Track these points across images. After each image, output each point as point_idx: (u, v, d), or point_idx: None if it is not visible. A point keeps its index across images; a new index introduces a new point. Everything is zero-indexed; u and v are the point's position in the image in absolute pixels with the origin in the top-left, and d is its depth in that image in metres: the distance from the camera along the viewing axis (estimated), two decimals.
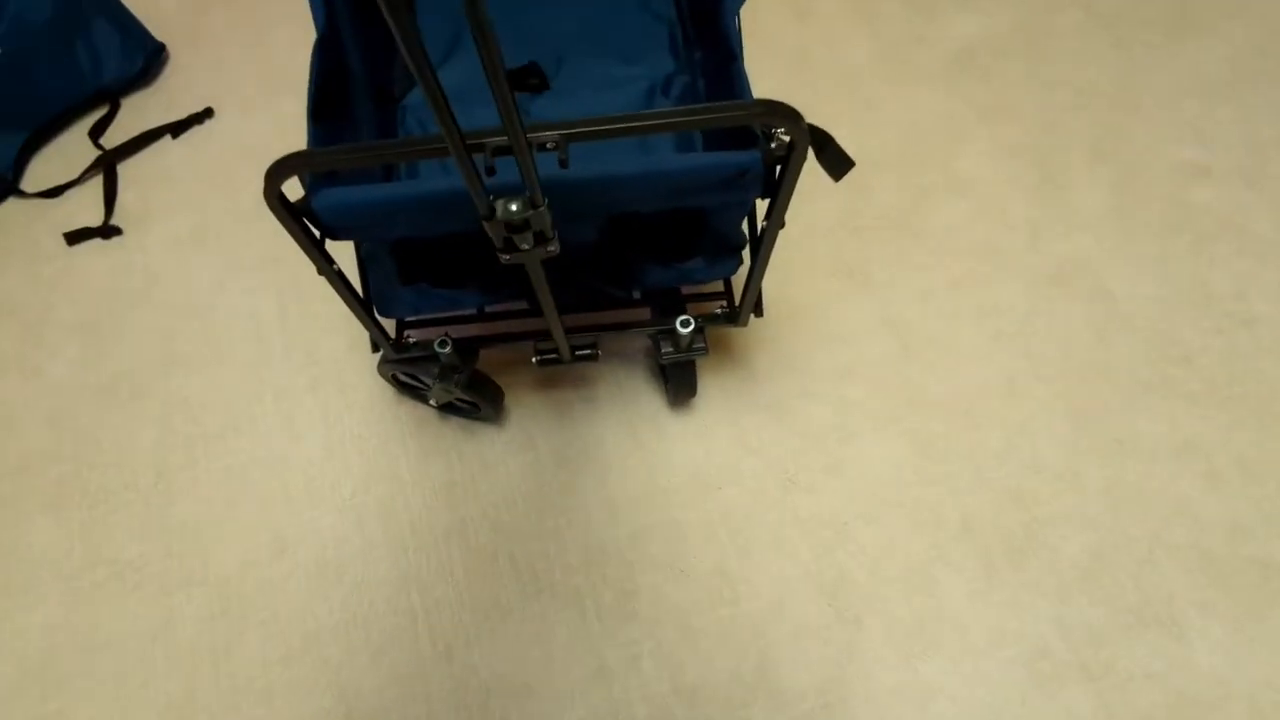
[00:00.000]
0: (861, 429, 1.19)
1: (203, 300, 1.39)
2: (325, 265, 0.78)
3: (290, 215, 0.69)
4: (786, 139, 0.69)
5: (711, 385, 1.24)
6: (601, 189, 0.72)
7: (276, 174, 0.62)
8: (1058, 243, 1.35)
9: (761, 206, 0.81)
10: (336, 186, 0.71)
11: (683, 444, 1.20)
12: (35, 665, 1.08)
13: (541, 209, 0.64)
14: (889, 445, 1.18)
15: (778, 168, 0.72)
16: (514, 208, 0.63)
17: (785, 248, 1.31)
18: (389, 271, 0.85)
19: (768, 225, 0.80)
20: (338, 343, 1.32)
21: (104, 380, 1.31)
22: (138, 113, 1.61)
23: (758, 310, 0.99)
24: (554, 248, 0.70)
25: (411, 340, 1.01)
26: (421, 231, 0.77)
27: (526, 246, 0.69)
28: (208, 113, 1.62)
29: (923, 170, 1.45)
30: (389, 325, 1.00)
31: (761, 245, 0.83)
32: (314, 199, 0.69)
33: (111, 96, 1.62)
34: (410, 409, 1.25)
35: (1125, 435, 1.16)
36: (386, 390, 1.27)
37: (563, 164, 0.61)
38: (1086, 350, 1.24)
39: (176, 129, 1.60)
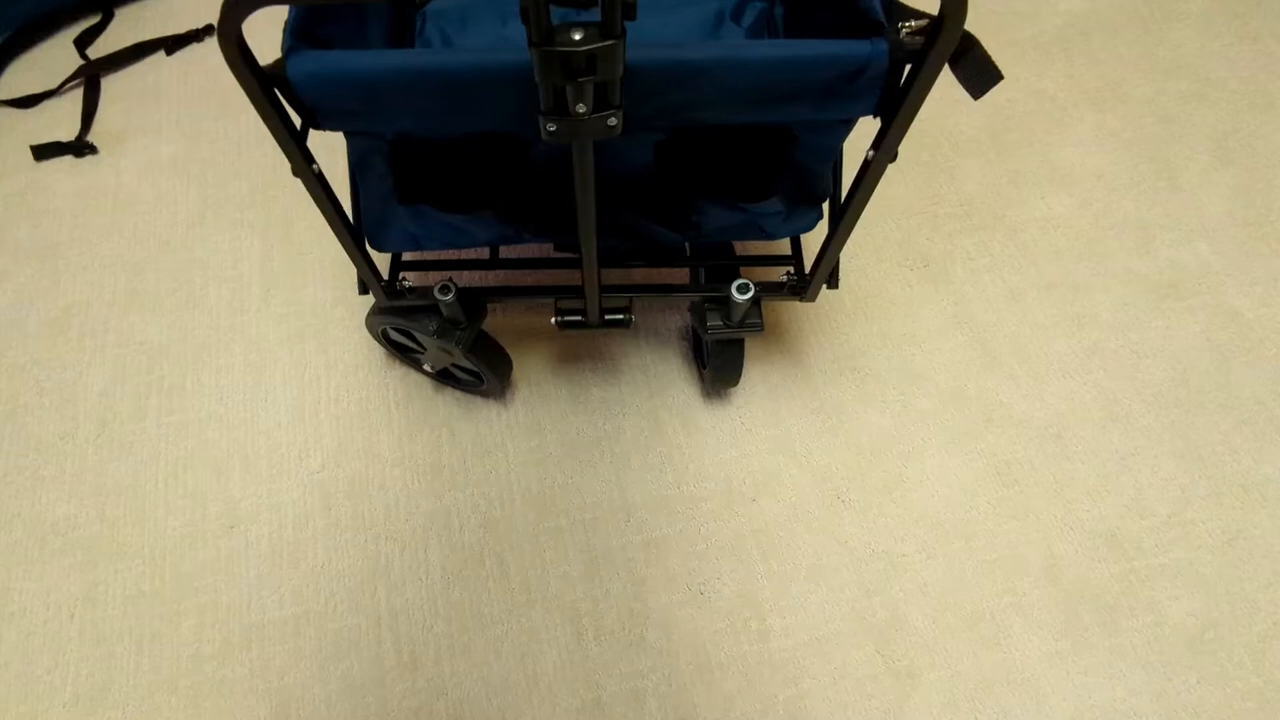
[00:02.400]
0: (929, 445, 1.05)
1: (178, 234, 1.27)
2: (303, 164, 0.64)
3: (256, 81, 0.54)
4: (918, 29, 0.55)
5: (755, 378, 1.10)
6: (670, 80, 0.57)
7: (234, 9, 0.47)
8: (1172, 249, 1.20)
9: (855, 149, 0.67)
10: (323, 50, 0.56)
11: (715, 443, 1.06)
12: None
13: (616, 42, 0.49)
14: (961, 467, 1.03)
15: (905, 69, 0.58)
16: (577, 36, 0.48)
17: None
18: (384, 186, 0.72)
19: (874, 155, 0.65)
20: (325, 294, 1.19)
21: (54, 313, 1.20)
22: (131, 24, 1.51)
23: (832, 281, 0.85)
24: (616, 121, 0.56)
25: (408, 284, 0.88)
26: (429, 125, 0.63)
27: (583, 109, 0.54)
28: (208, 30, 1.51)
29: (1018, 156, 1.31)
30: (382, 265, 0.86)
31: (860, 187, 0.68)
32: (290, 63, 0.55)
33: (105, 4, 1.52)
34: (400, 376, 1.12)
35: (1252, 481, 1.01)
36: (375, 353, 1.14)
37: (628, 10, 0.46)
38: (1205, 376, 1.09)
39: (171, 45, 1.49)
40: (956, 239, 1.22)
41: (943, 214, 1.25)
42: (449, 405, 1.10)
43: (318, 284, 1.20)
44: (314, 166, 0.65)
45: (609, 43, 0.48)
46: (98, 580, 0.99)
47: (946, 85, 0.59)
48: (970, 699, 0.89)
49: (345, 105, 0.60)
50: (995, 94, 1.38)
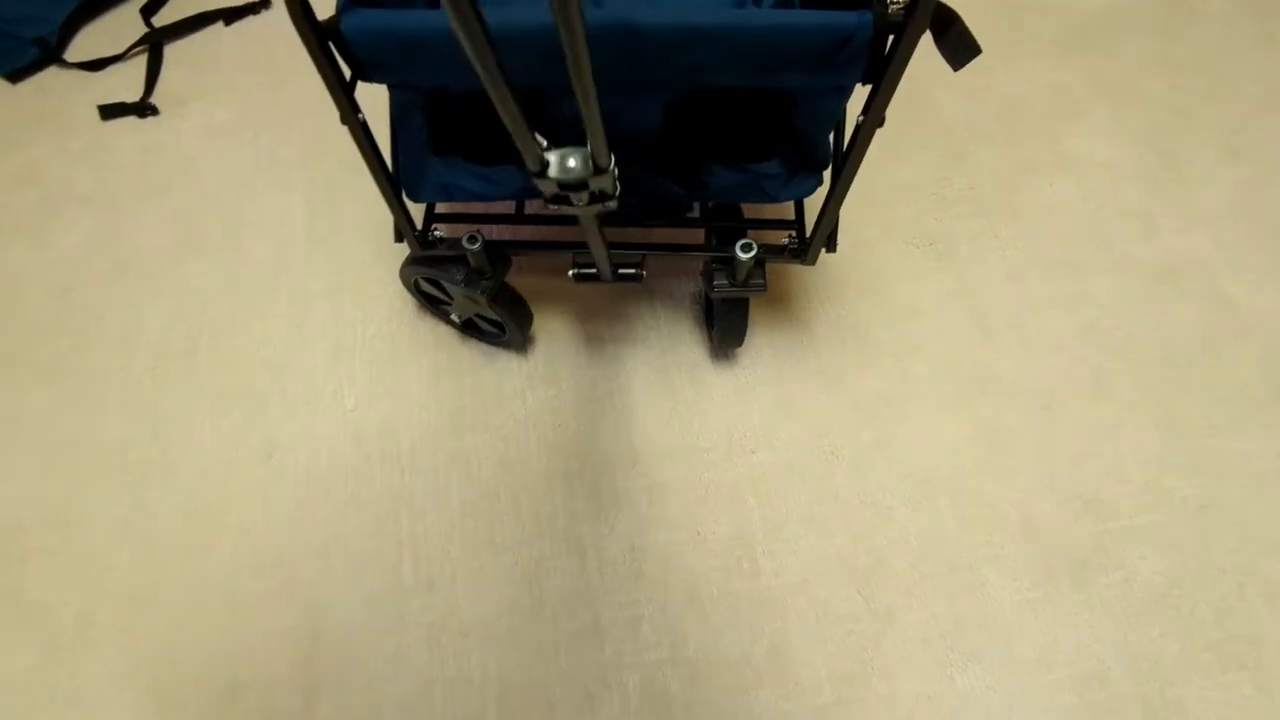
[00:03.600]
0: (922, 409, 1.13)
1: (230, 192, 1.39)
2: (349, 112, 0.73)
3: (314, 34, 0.63)
4: (904, 4, 0.62)
5: (760, 342, 1.19)
6: (678, 43, 0.65)
7: None
8: (1173, 237, 1.27)
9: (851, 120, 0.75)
10: (375, 9, 0.66)
11: (720, 399, 1.15)
12: (2, 537, 1.08)
13: (607, 172, 0.59)
14: (951, 430, 1.11)
15: (889, 40, 0.65)
16: (573, 164, 0.58)
17: (860, 207, 1.26)
18: (420, 138, 0.81)
19: (863, 120, 0.73)
20: (363, 252, 1.30)
21: (116, 259, 1.32)
22: None
23: (830, 245, 0.93)
24: (613, 205, 0.65)
25: (439, 235, 0.98)
26: (461, 79, 0.72)
27: (580, 204, 0.64)
28: (264, 3, 1.63)
29: (1028, 144, 1.37)
30: (417, 220, 0.97)
31: (852, 150, 0.76)
32: (345, 19, 0.65)
33: None
34: (429, 328, 1.23)
35: (1228, 455, 1.08)
36: (407, 306, 1.24)
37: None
38: (1193, 356, 1.15)
39: (230, 16, 1.61)
40: (963, 220, 1.30)
41: (951, 196, 1.32)
42: (473, 354, 1.20)
43: (356, 244, 1.31)
44: (359, 115, 0.75)
45: (600, 174, 0.59)
46: (150, 496, 1.11)
47: (963, 74, 0.66)
48: (943, 638, 0.97)
49: (390, 59, 0.69)
50: (1011, 83, 1.44)
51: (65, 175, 1.42)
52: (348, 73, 0.72)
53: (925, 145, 1.37)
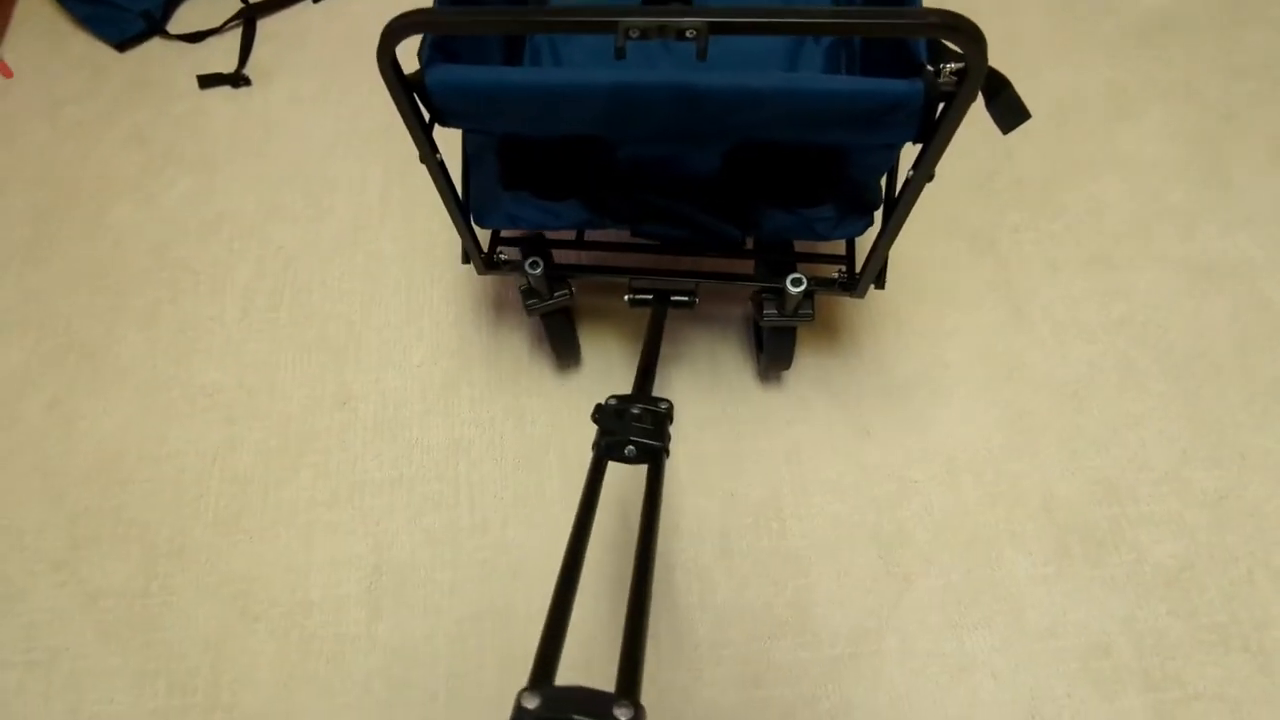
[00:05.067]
0: (953, 393, 1.19)
1: (313, 159, 1.51)
2: (429, 152, 0.78)
3: (401, 86, 0.69)
4: (956, 71, 0.64)
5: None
6: (734, 104, 0.69)
7: (393, 34, 0.62)
8: (1215, 239, 1.30)
9: (905, 161, 0.79)
10: (455, 64, 0.72)
11: (760, 381, 1.22)
12: (106, 462, 1.22)
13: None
14: (979, 414, 1.17)
15: (940, 105, 0.68)
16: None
17: None
18: (492, 174, 0.86)
19: (913, 176, 0.75)
20: (435, 221, 1.41)
21: (209, 217, 1.45)
22: None
23: (879, 281, 0.95)
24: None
25: (503, 258, 1.03)
26: (536, 127, 0.77)
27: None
28: None
29: (1077, 142, 1.42)
30: (482, 237, 1.02)
31: (900, 200, 0.78)
32: (429, 73, 0.70)
33: None
34: (493, 297, 1.33)
35: (1251, 450, 1.12)
36: (473, 273, 1.34)
37: (701, 55, 0.57)
38: (1225, 354, 1.19)
39: None
40: (1006, 213, 1.35)
41: (996, 190, 1.37)
42: (536, 326, 1.30)
43: (428, 213, 1.42)
44: (437, 155, 0.80)
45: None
46: (235, 434, 1.24)
47: (1016, 72, 0.70)
48: (957, 604, 1.04)
49: (468, 109, 0.74)
50: (1065, 81, 1.48)
51: (167, 139, 1.55)
52: (426, 115, 0.76)
53: (974, 140, 1.41)
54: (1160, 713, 0.96)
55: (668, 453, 0.83)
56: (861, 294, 0.97)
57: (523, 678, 1.00)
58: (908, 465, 1.14)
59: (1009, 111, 0.67)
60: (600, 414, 0.84)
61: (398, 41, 0.63)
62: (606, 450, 0.82)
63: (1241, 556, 1.05)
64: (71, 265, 1.41)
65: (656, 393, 0.90)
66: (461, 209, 0.90)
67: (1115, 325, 1.23)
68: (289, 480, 1.19)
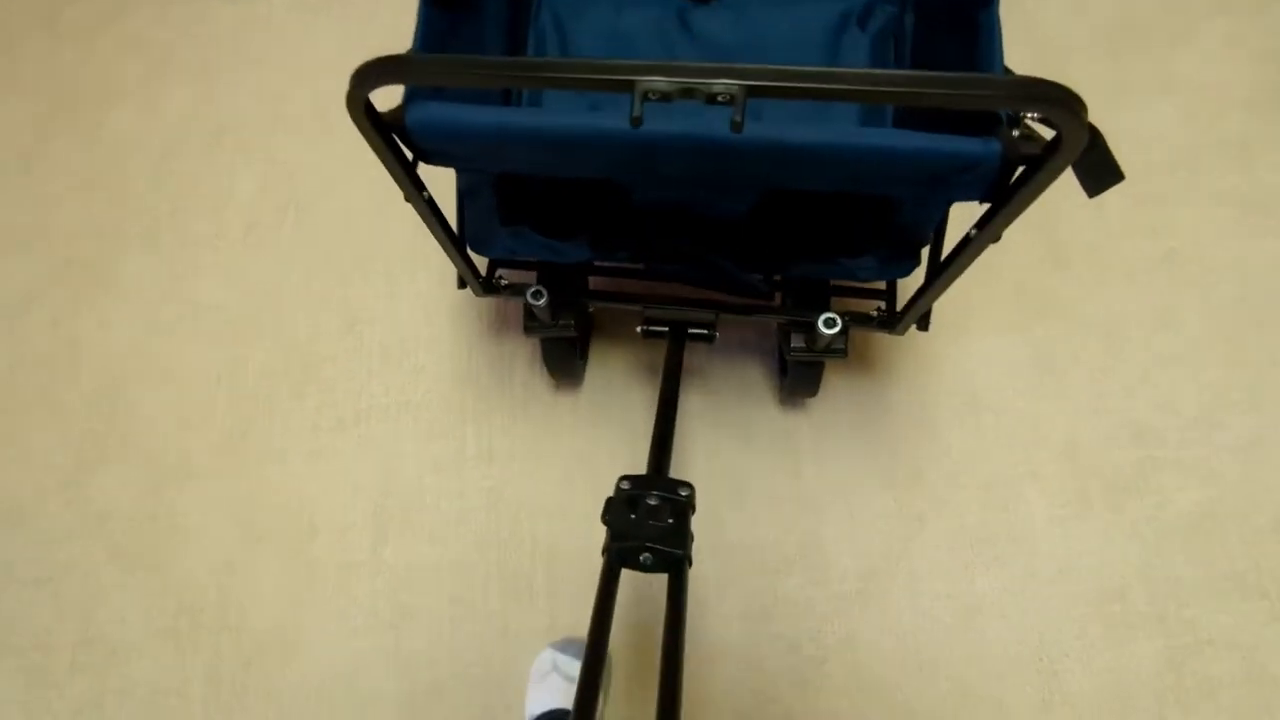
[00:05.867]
0: (978, 328, 1.18)
1: (319, 69, 1.49)
2: (414, 191, 0.70)
3: (377, 131, 0.60)
4: (1040, 131, 0.56)
5: None
6: (772, 159, 0.61)
7: (363, 80, 0.54)
8: (1271, 171, 1.26)
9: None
10: (438, 101, 0.63)
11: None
12: (110, 384, 1.25)
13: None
14: (1006, 350, 1.17)
15: (1019, 168, 0.59)
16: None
17: None
18: (488, 207, 0.78)
19: (976, 235, 0.66)
20: None
21: (212, 128, 1.44)
22: None
23: (923, 324, 0.88)
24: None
25: (504, 283, 0.96)
26: (535, 170, 0.69)
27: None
28: None
29: (1131, 62, 1.36)
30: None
31: (959, 257, 0.69)
32: (409, 113, 0.62)
33: None
34: None
35: None
36: None
37: (735, 127, 0.48)
38: (1270, 295, 1.17)
39: None
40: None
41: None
42: None
43: None
44: (424, 194, 0.71)
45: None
46: (240, 356, 1.26)
47: None
48: (970, 546, 1.06)
49: (457, 151, 0.66)
50: None
51: (166, 43, 1.53)
52: (409, 153, 0.68)
53: (1019, 59, 1.36)
54: (1171, 658, 0.99)
55: (690, 561, 0.71)
56: (902, 331, 0.88)
57: (528, 607, 1.04)
58: (927, 404, 1.14)
59: (1098, 172, 0.59)
60: (610, 513, 0.73)
61: (371, 89, 0.55)
62: (618, 558, 0.70)
63: (1267, 505, 1.05)
64: (71, 177, 1.42)
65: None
66: (454, 240, 0.81)
67: (1156, 264, 1.21)
68: (295, 405, 1.22)
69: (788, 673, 1.00)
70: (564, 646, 1.00)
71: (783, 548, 1.08)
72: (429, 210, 0.74)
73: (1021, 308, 1.19)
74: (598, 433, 1.16)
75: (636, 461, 1.13)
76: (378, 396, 1.22)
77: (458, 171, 0.77)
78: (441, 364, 1.23)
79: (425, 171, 0.69)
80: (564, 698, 0.95)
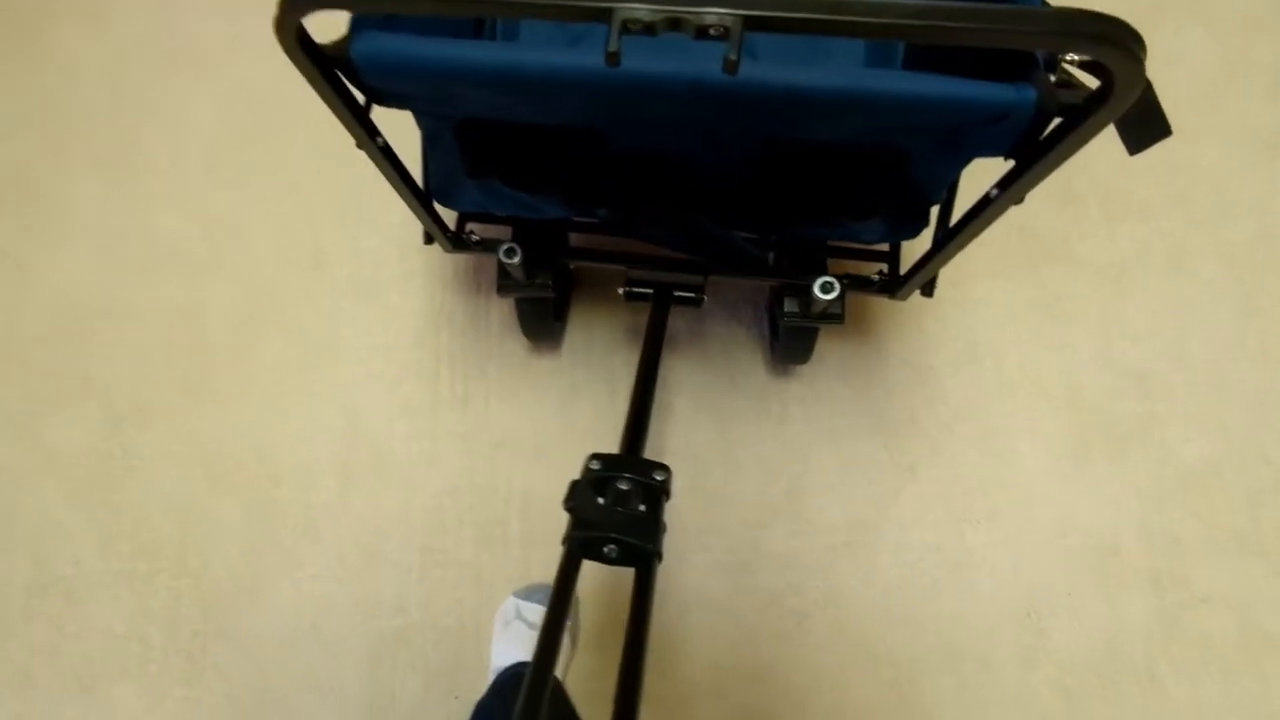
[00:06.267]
0: (981, 271, 1.14)
1: None
2: (366, 137, 0.64)
3: (315, 64, 0.52)
4: (1081, 77, 0.50)
5: None
6: (771, 105, 0.54)
7: (295, 6, 0.47)
8: None
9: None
10: (389, 33, 0.55)
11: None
12: (63, 319, 1.21)
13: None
14: (1009, 295, 1.13)
15: (1052, 119, 0.52)
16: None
17: None
18: (452, 157, 0.73)
19: (997, 196, 0.60)
20: None
21: (172, 47, 1.37)
22: None
23: (927, 290, 0.84)
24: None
25: (475, 238, 0.90)
26: (500, 114, 0.63)
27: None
28: None
29: None
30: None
31: (975, 219, 0.64)
32: (354, 44, 0.54)
33: None
34: None
35: None
36: None
37: (729, 67, 0.41)
38: None
39: None
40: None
41: None
42: None
43: None
44: (379, 140, 0.65)
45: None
46: (202, 294, 1.22)
47: None
48: (962, 497, 1.04)
49: (412, 90, 0.59)
50: None
51: None
52: (360, 95, 0.62)
53: None
54: (1163, 614, 0.97)
55: (660, 557, 0.64)
56: (904, 297, 0.85)
57: (501, 554, 1.01)
58: (924, 349, 1.11)
59: (1143, 126, 0.52)
60: (574, 498, 0.66)
61: (304, 13, 0.47)
62: (580, 548, 0.63)
63: (1275, 459, 1.03)
64: (15, 98, 1.35)
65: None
66: (419, 195, 0.76)
67: (1172, 202, 1.16)
68: (259, 344, 1.18)
69: (768, 625, 0.99)
70: (528, 594, 0.98)
71: (767, 497, 1.05)
72: (385, 159, 0.69)
73: (1027, 249, 1.15)
74: (579, 378, 1.13)
75: (619, 409, 1.10)
76: (346, 336, 1.18)
77: (416, 116, 0.71)
78: (414, 303, 1.19)
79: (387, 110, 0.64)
80: (528, 646, 0.94)
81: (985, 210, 0.62)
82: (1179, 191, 1.17)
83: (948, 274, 1.12)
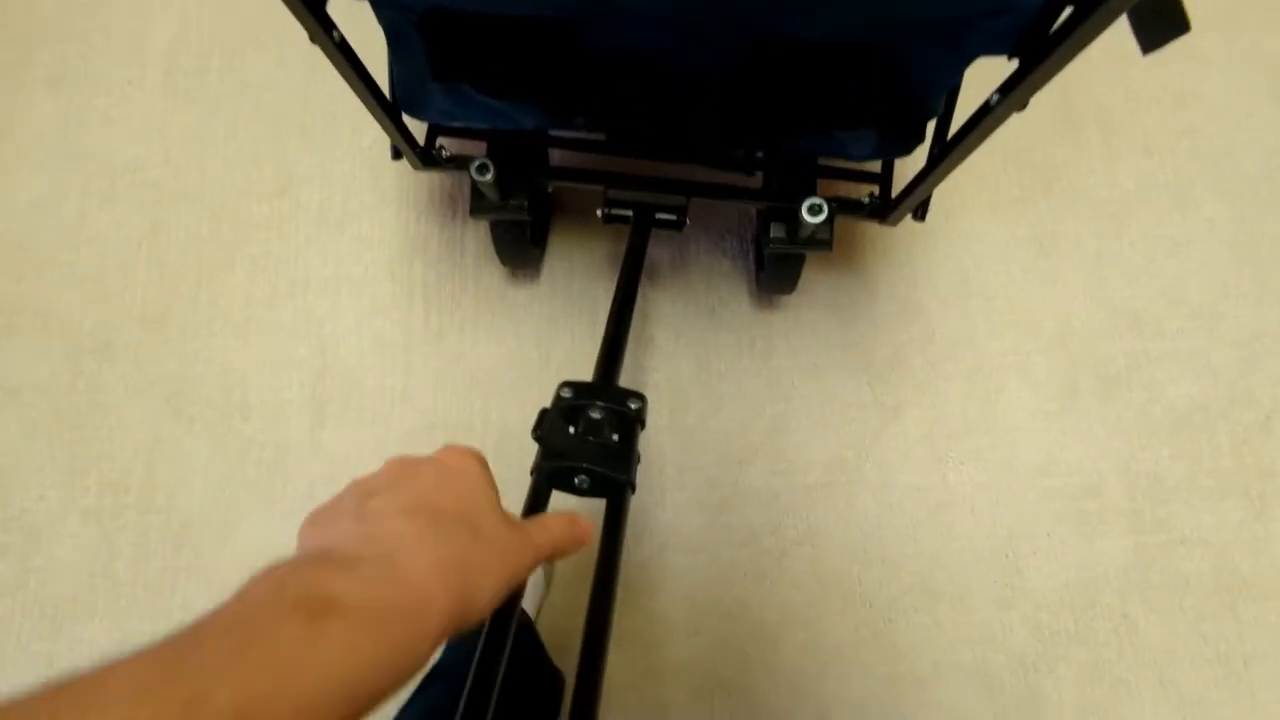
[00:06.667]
0: (973, 204, 1.13)
1: None
2: (319, 29, 0.60)
3: None
4: None
5: None
6: None
7: None
8: None
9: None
10: None
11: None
12: (18, 246, 1.18)
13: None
14: (1002, 230, 1.12)
15: (1061, 12, 0.51)
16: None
17: None
18: (417, 58, 0.70)
19: (998, 102, 0.58)
20: None
21: None
22: None
23: (919, 213, 0.82)
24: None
25: (446, 154, 0.87)
26: (466, 2, 0.61)
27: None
28: None
29: None
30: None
31: (974, 130, 0.61)
32: None
33: None
34: None
35: None
36: None
37: None
38: None
39: None
40: None
41: None
42: None
43: None
44: (334, 34, 0.62)
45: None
46: (162, 219, 1.19)
47: None
48: (946, 437, 1.04)
49: None
50: None
51: None
52: None
53: None
54: (1140, 555, 0.99)
55: (633, 488, 0.63)
56: (895, 222, 0.83)
57: None
58: (914, 284, 1.10)
59: (1159, 20, 0.49)
60: (544, 427, 0.63)
61: None
62: (549, 479, 0.61)
63: (1263, 400, 1.03)
64: None
65: None
66: (384, 103, 0.73)
67: (1178, 135, 1.14)
68: (223, 274, 1.16)
69: (744, 563, 1.01)
70: None
71: (747, 434, 1.06)
72: (341, 57, 0.65)
73: (1024, 181, 1.14)
74: (557, 308, 1.12)
75: (599, 343, 1.10)
76: (315, 266, 1.16)
77: (376, 10, 0.68)
78: (386, 232, 1.17)
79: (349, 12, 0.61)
80: None
81: (986, 118, 0.59)
82: (1185, 124, 1.15)
83: (940, 205, 1.11)
